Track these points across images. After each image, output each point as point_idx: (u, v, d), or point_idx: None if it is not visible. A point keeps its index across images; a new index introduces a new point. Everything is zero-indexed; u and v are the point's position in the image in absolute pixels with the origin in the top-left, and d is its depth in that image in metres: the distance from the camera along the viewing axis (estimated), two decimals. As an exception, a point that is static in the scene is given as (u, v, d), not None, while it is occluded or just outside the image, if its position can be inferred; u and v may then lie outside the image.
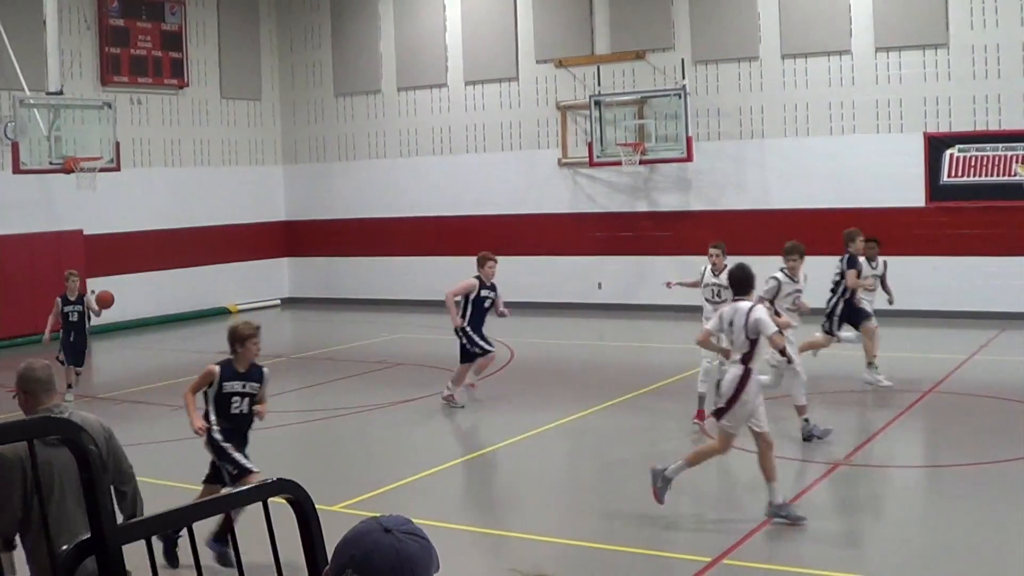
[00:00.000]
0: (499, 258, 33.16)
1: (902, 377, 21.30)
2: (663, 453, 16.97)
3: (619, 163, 31.21)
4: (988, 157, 28.22)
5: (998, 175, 28.14)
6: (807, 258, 18.18)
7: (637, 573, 11.38)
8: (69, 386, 20.53)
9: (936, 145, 28.65)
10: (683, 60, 30.95)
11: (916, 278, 28.87)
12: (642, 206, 32.17)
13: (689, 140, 30.44)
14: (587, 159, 31.92)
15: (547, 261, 33.13)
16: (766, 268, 30.07)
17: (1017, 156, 27.99)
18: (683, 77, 30.71)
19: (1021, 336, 26.15)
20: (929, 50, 28.74)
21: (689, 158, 30.58)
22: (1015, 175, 27.97)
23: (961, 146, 28.46)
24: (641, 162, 31.07)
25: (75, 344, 21.11)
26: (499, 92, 33.86)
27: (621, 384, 20.95)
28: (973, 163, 28.37)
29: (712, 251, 18.63)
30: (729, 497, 13.82)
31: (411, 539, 3.24)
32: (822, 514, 12.85)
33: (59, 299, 21.37)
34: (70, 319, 21.18)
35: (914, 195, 28.98)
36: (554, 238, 33.12)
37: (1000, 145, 28.07)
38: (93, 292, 22.93)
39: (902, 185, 29.01)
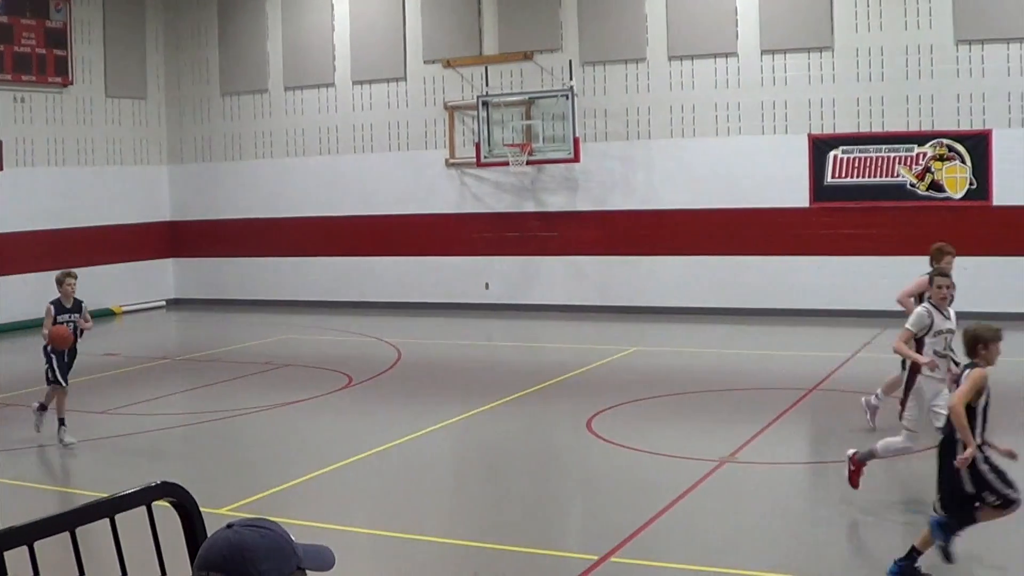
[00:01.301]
0: (386, 259, 33.51)
1: (787, 375, 21.54)
2: (552, 452, 17.02)
3: (506, 163, 31.24)
4: (871, 158, 28.58)
5: (881, 176, 28.51)
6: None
7: (525, 572, 11.39)
8: (62, 421, 17.15)
9: (820, 146, 28.97)
10: (571, 61, 31.03)
11: (800, 277, 29.26)
12: (529, 206, 32.22)
13: (576, 141, 30.54)
14: (474, 159, 31.91)
15: (434, 261, 33.09)
16: (655, 268, 30.40)
17: (899, 157, 28.37)
18: (570, 78, 30.80)
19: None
20: (814, 53, 29.05)
21: (576, 159, 30.68)
22: (897, 175, 28.35)
23: (845, 147, 28.80)
24: (528, 162, 31.13)
25: (68, 363, 17.57)
26: (387, 92, 33.76)
27: (509, 384, 20.97)
28: (856, 164, 28.71)
29: (939, 281, 13.22)
30: (616, 496, 13.86)
31: (249, 530, 3.27)
32: (709, 511, 12.94)
33: (51, 306, 17.55)
34: None
35: (798, 196, 29.29)
36: (441, 238, 33.09)
37: (883, 147, 28.44)
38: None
39: (787, 186, 29.31)
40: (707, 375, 21.96)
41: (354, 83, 34.12)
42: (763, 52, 29.49)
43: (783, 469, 15.11)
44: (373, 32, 33.64)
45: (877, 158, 28.56)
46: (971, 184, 27.99)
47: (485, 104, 31.46)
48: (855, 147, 28.71)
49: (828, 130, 28.98)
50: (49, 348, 17.39)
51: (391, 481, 15.00)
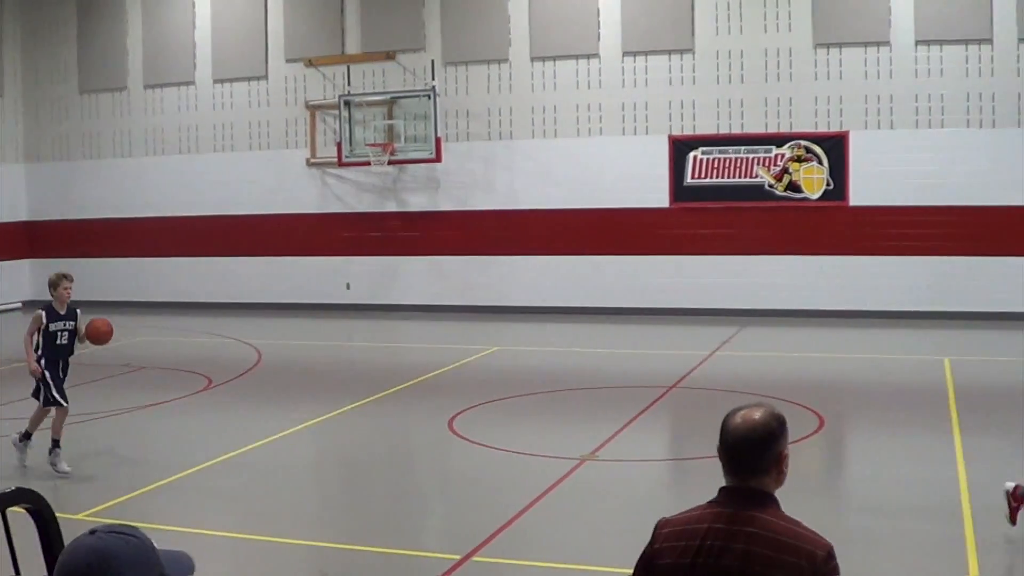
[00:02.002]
0: (246, 259, 33.23)
1: (646, 373, 21.70)
2: (414, 452, 17.00)
3: (368, 163, 31.17)
4: (730, 159, 28.91)
5: (739, 177, 28.85)
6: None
7: (388, 573, 11.35)
8: (56, 443, 15.18)
9: (680, 147, 29.24)
10: (433, 61, 31.03)
11: (660, 277, 29.49)
12: (391, 206, 32.16)
13: (438, 141, 30.55)
14: (336, 159, 31.80)
15: (295, 262, 32.92)
16: (517, 268, 30.47)
17: (758, 158, 28.72)
18: (433, 78, 30.80)
19: (760, 332, 26.85)
20: (675, 55, 29.32)
21: (438, 159, 30.69)
22: (756, 176, 28.71)
23: (704, 148, 29.09)
24: (390, 162, 31.08)
25: (64, 377, 15.46)
26: (248, 91, 33.51)
27: (371, 384, 20.91)
28: (716, 165, 29.02)
29: None
30: (478, 495, 13.88)
31: (113, 536, 3.21)
32: (570, 509, 12.98)
33: (43, 312, 15.33)
34: (58, 342, 15.31)
35: (659, 196, 29.55)
36: (302, 238, 32.91)
37: (742, 148, 28.79)
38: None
39: (647, 186, 29.56)
40: (568, 374, 22.06)
41: (215, 81, 33.82)
42: (624, 54, 29.71)
43: (643, 466, 15.22)
44: (234, 30, 33.38)
45: (736, 159, 28.89)
46: (828, 185, 28.43)
47: (347, 103, 31.36)
48: (715, 148, 29.02)
49: (688, 131, 29.27)
50: (41, 361, 15.17)
51: (251, 484, 14.87)
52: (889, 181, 28.22)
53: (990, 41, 28.02)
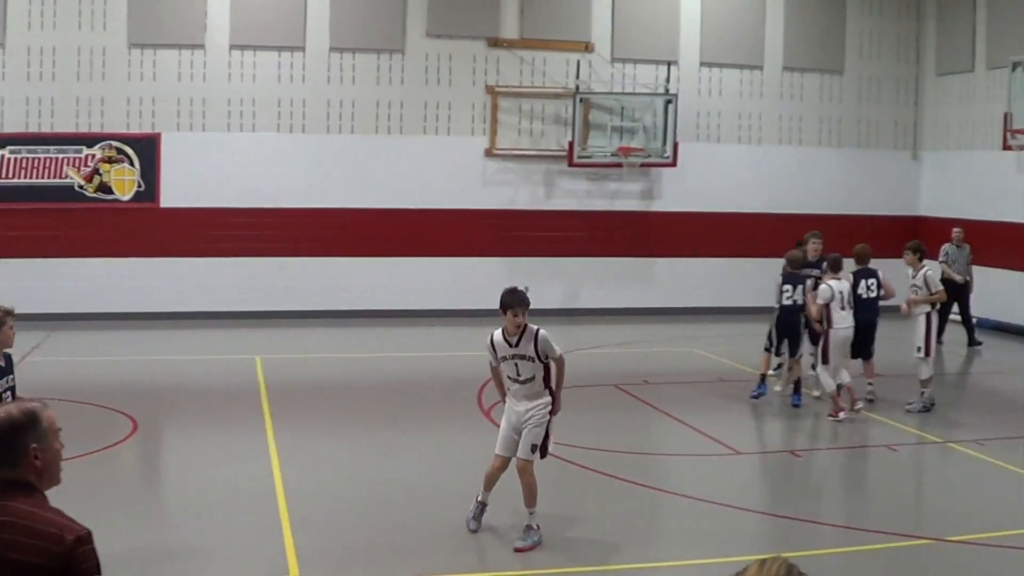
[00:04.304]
0: None
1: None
2: None
3: None
4: (39, 159, 28.40)
5: (49, 177, 28.40)
6: None
7: None
8: None
9: (-10, 145, 28.52)
10: None
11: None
12: None
13: None
14: None
15: None
16: None
17: (68, 159, 28.37)
18: None
19: (71, 337, 26.53)
20: (-14, 50, 28.55)
21: None
22: (66, 177, 28.38)
23: (13, 147, 28.41)
24: None
25: None
26: None
27: None
28: (25, 165, 28.42)
29: None
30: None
31: None
32: None
33: None
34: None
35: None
36: None
37: (52, 147, 28.35)
38: None
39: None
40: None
41: None
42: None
43: None
44: None
45: (46, 159, 28.45)
46: (140, 186, 28.53)
47: None
48: (23, 147, 28.42)
49: (-2, 129, 28.57)
50: None
51: None
52: (201, 183, 28.63)
53: (303, 49, 28.98)
